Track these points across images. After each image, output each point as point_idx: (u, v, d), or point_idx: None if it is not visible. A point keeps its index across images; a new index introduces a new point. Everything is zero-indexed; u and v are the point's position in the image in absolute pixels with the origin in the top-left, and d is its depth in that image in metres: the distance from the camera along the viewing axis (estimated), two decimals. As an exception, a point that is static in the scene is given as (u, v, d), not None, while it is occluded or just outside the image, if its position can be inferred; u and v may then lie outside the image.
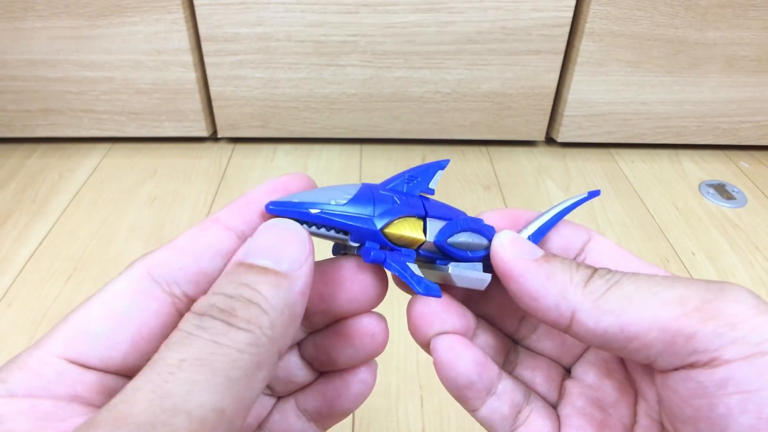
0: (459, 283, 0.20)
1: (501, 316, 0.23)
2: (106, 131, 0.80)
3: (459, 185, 0.75)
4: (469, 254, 0.20)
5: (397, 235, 0.19)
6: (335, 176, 0.77)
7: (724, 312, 0.15)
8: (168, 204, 0.71)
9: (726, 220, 0.70)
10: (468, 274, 0.20)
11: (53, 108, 0.77)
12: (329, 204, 0.18)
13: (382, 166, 0.79)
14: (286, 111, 0.78)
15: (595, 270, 0.18)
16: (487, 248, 0.20)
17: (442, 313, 0.21)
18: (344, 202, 0.19)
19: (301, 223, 0.18)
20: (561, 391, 0.22)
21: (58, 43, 0.72)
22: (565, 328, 0.18)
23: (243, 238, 0.18)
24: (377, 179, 0.76)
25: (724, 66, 0.74)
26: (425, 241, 0.20)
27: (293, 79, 0.75)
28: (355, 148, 0.83)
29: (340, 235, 0.19)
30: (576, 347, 0.22)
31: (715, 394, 0.15)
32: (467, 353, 0.20)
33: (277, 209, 0.18)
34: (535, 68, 0.74)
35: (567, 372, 0.23)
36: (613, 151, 0.83)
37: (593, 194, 0.23)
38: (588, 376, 0.21)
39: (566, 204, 0.22)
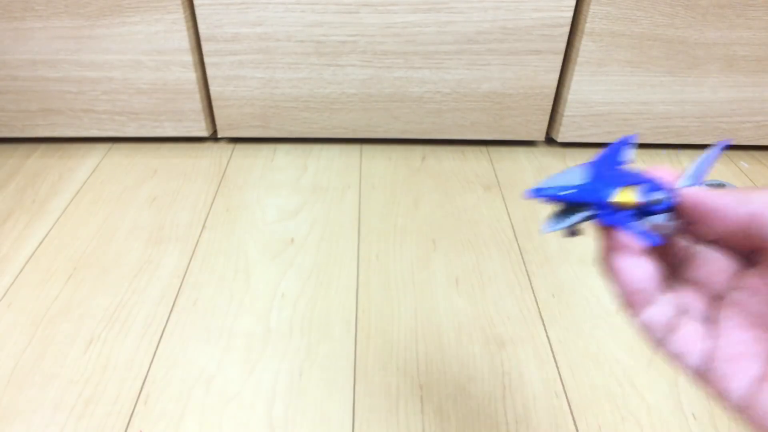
0: (660, 231, 0.25)
1: (659, 255, 0.27)
2: (106, 131, 0.80)
3: (459, 185, 0.75)
4: (659, 207, 0.25)
5: (620, 203, 0.25)
6: (335, 176, 0.77)
7: None
8: (168, 204, 0.71)
9: (726, 220, 0.70)
10: (666, 222, 0.25)
11: (53, 108, 0.77)
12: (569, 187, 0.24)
13: (382, 166, 0.79)
14: (286, 111, 0.78)
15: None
16: (669, 200, 0.25)
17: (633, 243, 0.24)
18: (579, 183, 0.24)
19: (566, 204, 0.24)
20: (713, 311, 0.25)
21: (58, 43, 0.72)
22: (747, 228, 0.22)
23: None
24: (377, 179, 0.76)
25: (724, 66, 0.74)
26: (638, 203, 0.24)
27: (293, 79, 0.75)
28: (355, 148, 0.83)
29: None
30: (726, 274, 0.26)
31: None
32: (644, 264, 0.24)
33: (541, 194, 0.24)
34: (535, 68, 0.74)
35: (719, 299, 0.26)
36: (613, 151, 0.83)
37: (723, 144, 0.28)
38: (737, 295, 0.24)
39: (706, 154, 0.27)
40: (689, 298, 0.26)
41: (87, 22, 0.70)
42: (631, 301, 0.24)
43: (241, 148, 0.83)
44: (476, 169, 0.79)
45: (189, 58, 0.73)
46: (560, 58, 0.73)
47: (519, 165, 0.80)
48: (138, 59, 0.73)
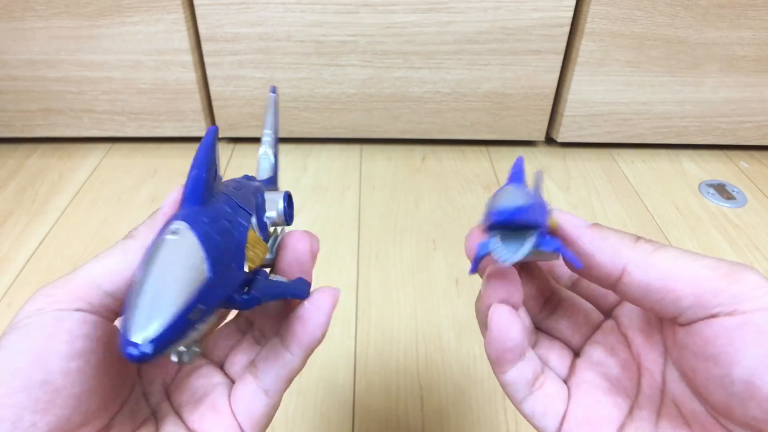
0: (537, 258, 0.25)
1: (527, 301, 0.27)
2: (106, 131, 0.80)
3: (459, 185, 0.75)
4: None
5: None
6: (335, 176, 0.77)
7: (745, 280, 0.20)
8: (168, 204, 0.71)
9: (726, 220, 0.70)
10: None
11: (53, 108, 0.77)
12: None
13: (382, 166, 0.79)
14: (286, 111, 0.78)
15: (639, 237, 0.22)
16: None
17: (510, 286, 0.24)
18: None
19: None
20: (571, 369, 0.25)
21: (58, 43, 0.72)
22: (614, 282, 0.22)
23: None
24: (377, 179, 0.76)
25: (724, 66, 0.74)
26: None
27: (293, 79, 0.75)
28: (355, 148, 0.83)
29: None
30: (587, 327, 0.26)
31: (735, 332, 0.19)
32: (518, 321, 0.23)
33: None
34: (535, 68, 0.74)
35: (576, 355, 0.26)
36: (613, 151, 0.83)
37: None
38: (595, 353, 0.25)
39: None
40: (552, 353, 0.26)
41: (87, 22, 0.70)
42: (502, 359, 0.24)
43: (241, 148, 0.83)
44: (476, 169, 0.79)
45: (189, 58, 0.73)
46: (560, 58, 0.73)
47: (519, 165, 0.80)
48: (138, 59, 0.73)
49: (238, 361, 0.26)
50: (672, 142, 0.82)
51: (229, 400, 0.24)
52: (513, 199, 0.21)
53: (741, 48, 0.73)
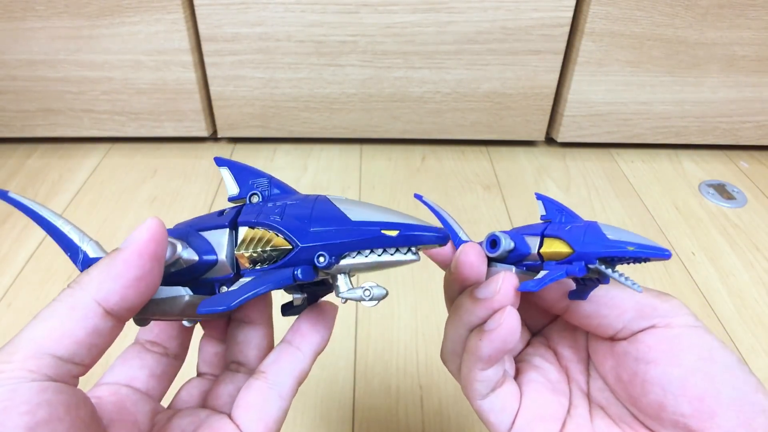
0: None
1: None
2: (106, 131, 0.80)
3: (459, 185, 0.75)
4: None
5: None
6: (335, 176, 0.77)
7: (672, 301, 0.25)
8: (168, 204, 0.71)
9: (726, 220, 0.70)
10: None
11: (53, 108, 0.77)
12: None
13: (382, 166, 0.79)
14: (286, 111, 0.78)
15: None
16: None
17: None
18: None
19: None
20: (517, 370, 0.29)
21: (58, 43, 0.72)
22: (563, 309, 0.26)
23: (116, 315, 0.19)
24: (377, 179, 0.76)
25: (724, 66, 0.74)
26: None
27: (293, 79, 0.75)
28: (355, 148, 0.83)
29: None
30: (521, 341, 0.30)
31: (673, 340, 0.24)
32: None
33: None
34: (535, 68, 0.74)
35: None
36: (613, 151, 0.83)
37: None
38: (534, 359, 0.29)
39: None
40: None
41: (87, 22, 0.70)
42: (496, 358, 0.25)
43: (241, 148, 0.83)
44: (476, 169, 0.79)
45: (189, 58, 0.73)
46: (560, 58, 0.73)
47: (519, 165, 0.80)
48: (138, 59, 0.73)
49: (222, 391, 0.25)
50: (672, 142, 0.82)
51: (231, 418, 0.23)
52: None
53: (741, 48, 0.73)
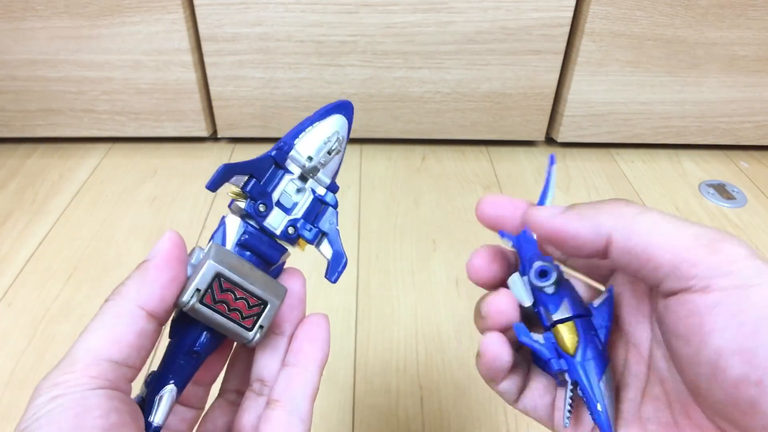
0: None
1: None
2: (106, 131, 0.80)
3: (459, 185, 0.75)
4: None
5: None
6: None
7: (725, 251, 0.19)
8: (168, 204, 0.71)
9: (726, 220, 0.70)
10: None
11: (53, 108, 0.77)
12: None
13: (382, 166, 0.79)
14: (286, 111, 0.78)
15: (623, 200, 0.22)
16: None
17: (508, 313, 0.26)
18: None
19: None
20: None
21: (58, 43, 0.72)
22: (603, 252, 0.21)
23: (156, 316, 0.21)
24: (377, 179, 0.76)
25: (724, 66, 0.74)
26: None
27: (293, 79, 0.75)
28: (355, 148, 0.83)
29: None
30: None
31: (706, 314, 0.18)
32: (507, 347, 0.26)
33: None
34: (535, 68, 0.74)
35: None
36: (613, 151, 0.83)
37: (552, 158, 0.30)
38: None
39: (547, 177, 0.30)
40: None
41: (87, 22, 0.70)
42: (494, 378, 0.27)
43: (241, 148, 0.83)
44: (476, 169, 0.79)
45: (189, 58, 0.73)
46: (560, 58, 0.73)
47: (519, 165, 0.80)
48: (138, 59, 0.73)
49: (245, 422, 0.25)
50: (672, 142, 0.82)
51: None
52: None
53: (741, 48, 0.73)
